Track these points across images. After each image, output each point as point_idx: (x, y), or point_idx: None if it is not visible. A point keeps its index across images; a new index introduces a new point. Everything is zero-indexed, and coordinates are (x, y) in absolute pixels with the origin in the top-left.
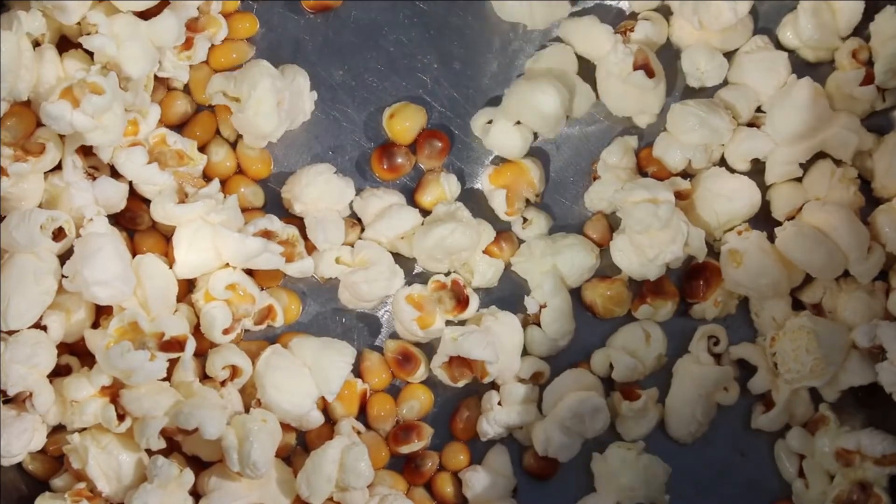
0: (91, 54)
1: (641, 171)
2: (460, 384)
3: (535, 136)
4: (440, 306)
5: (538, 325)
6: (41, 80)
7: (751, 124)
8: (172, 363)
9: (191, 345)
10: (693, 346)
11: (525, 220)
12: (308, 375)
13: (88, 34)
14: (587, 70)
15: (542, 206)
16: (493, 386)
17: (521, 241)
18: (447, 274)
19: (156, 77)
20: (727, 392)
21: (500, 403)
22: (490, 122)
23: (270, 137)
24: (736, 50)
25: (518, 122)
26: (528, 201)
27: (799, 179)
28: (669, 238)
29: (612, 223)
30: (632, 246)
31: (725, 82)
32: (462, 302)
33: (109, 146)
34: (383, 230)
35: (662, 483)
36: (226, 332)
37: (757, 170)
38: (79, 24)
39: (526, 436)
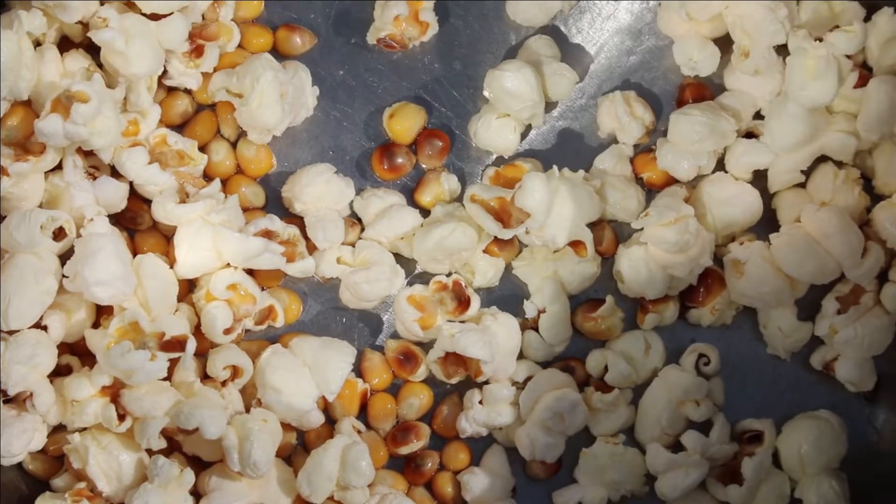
0: (92, 54)
1: (637, 178)
2: (453, 381)
3: (529, 129)
4: (441, 307)
5: (536, 329)
6: (42, 79)
7: (749, 133)
8: (173, 363)
9: (191, 344)
10: (683, 360)
11: None
12: (308, 375)
13: (97, 29)
14: (573, 57)
15: None
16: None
17: (522, 245)
18: (448, 275)
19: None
20: (697, 407)
21: (481, 402)
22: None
23: (274, 131)
24: (727, 34)
25: (503, 117)
26: None
27: (803, 185)
28: (699, 251)
29: (617, 232)
30: (648, 263)
31: (723, 88)
32: (463, 303)
33: (108, 147)
34: (383, 230)
35: (643, 475)
36: (227, 331)
37: (761, 176)
38: (80, 23)
39: (506, 438)
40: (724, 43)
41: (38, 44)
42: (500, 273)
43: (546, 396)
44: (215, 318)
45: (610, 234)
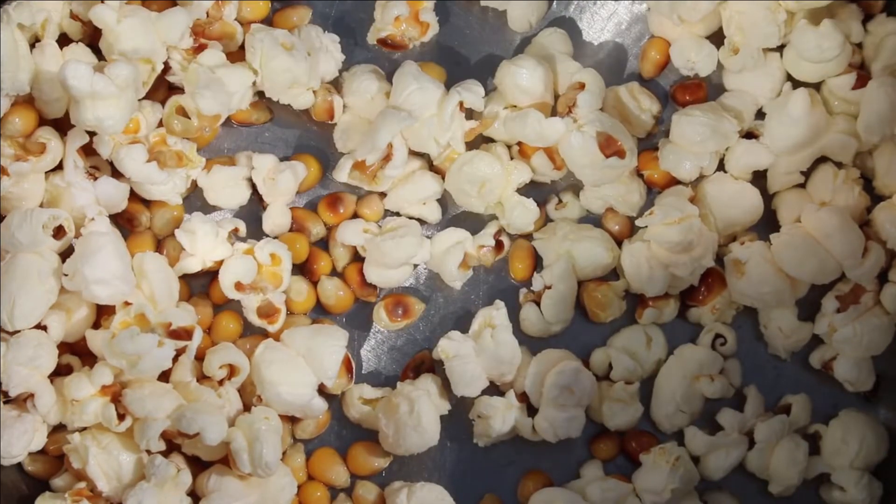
0: (92, 53)
1: (639, 173)
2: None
3: None
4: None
5: (538, 304)
6: (43, 75)
7: (750, 134)
8: (175, 361)
9: (198, 334)
10: (699, 339)
11: (560, 201)
12: (304, 365)
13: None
14: (583, 52)
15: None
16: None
17: (548, 219)
18: (492, 217)
19: (159, 77)
20: (712, 382)
21: (479, 417)
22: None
23: (310, 84)
24: (720, 29)
25: (511, 108)
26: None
27: (803, 185)
28: (702, 251)
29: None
30: (650, 261)
31: (723, 88)
32: (497, 246)
33: (109, 132)
34: (406, 195)
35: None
36: (238, 287)
37: (761, 175)
38: (79, 21)
39: (523, 429)
40: (719, 38)
41: (36, 40)
42: (533, 218)
43: (548, 376)
44: (239, 268)
45: (624, 219)
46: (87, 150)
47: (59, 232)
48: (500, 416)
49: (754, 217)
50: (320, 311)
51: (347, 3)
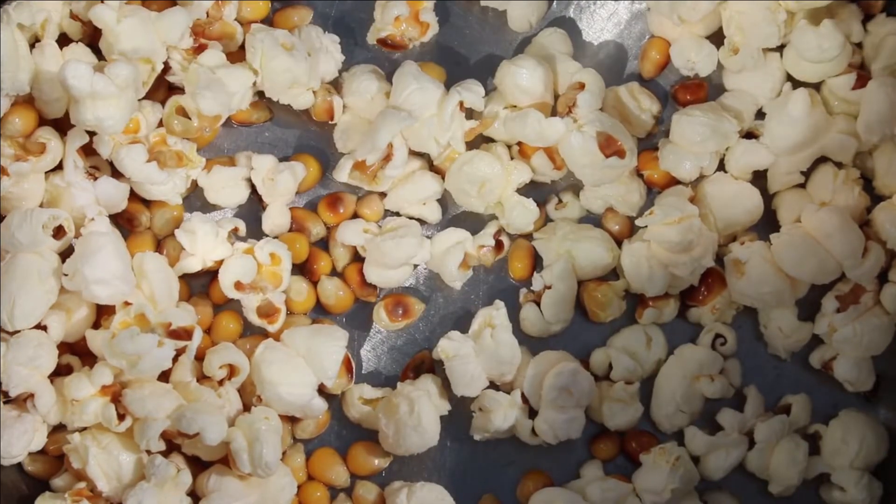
0: (92, 52)
1: (639, 173)
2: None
3: None
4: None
5: (538, 303)
6: (43, 75)
7: (750, 134)
8: (175, 361)
9: (198, 334)
10: (699, 339)
11: (560, 201)
12: (304, 365)
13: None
14: (583, 52)
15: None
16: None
17: (548, 219)
18: (492, 217)
19: (159, 77)
20: (712, 382)
21: (480, 409)
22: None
23: (310, 84)
24: (720, 29)
25: (511, 108)
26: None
27: (803, 185)
28: (702, 251)
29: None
30: (650, 260)
31: (723, 88)
32: (497, 246)
33: (109, 132)
34: (406, 195)
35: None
36: (237, 286)
37: (761, 175)
38: (79, 20)
39: (522, 431)
40: (719, 38)
41: (36, 39)
42: (533, 218)
43: (546, 378)
44: (239, 267)
45: (624, 219)
46: (87, 150)
47: (59, 232)
48: (502, 413)
49: (754, 217)
50: (320, 311)
51: (347, 3)
